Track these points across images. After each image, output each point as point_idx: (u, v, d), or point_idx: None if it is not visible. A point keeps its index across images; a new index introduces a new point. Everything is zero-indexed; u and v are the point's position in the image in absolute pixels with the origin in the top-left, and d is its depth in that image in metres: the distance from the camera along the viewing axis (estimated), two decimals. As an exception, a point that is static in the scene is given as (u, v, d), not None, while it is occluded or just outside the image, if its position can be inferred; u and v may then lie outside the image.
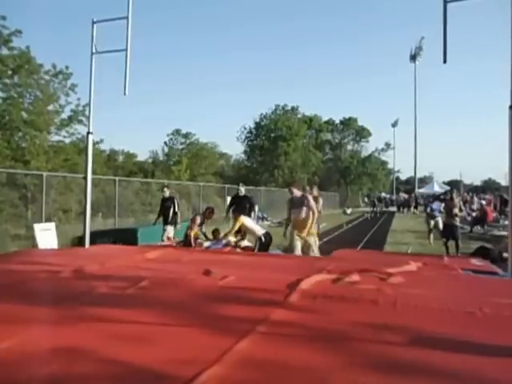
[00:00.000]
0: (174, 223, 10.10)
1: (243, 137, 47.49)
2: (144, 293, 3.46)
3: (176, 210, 10.16)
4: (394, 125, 55.12)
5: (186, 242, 7.66)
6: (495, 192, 26.97)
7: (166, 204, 10.18)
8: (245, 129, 47.39)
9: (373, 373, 2.01)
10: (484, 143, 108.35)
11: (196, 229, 7.77)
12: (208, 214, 8.17)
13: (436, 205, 12.54)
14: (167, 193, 10.58)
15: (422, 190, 44.56)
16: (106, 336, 2.43)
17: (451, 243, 10.08)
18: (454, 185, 42.41)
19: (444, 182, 46.88)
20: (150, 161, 43.05)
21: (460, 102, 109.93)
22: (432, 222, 12.47)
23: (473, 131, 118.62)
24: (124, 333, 2.49)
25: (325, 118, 55.19)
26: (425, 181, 58.02)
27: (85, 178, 6.86)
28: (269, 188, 33.98)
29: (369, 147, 57.22)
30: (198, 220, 7.88)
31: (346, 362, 2.14)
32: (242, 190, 9.66)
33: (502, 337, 2.52)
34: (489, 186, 48.62)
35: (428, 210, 13.08)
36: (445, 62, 5.15)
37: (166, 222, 10.08)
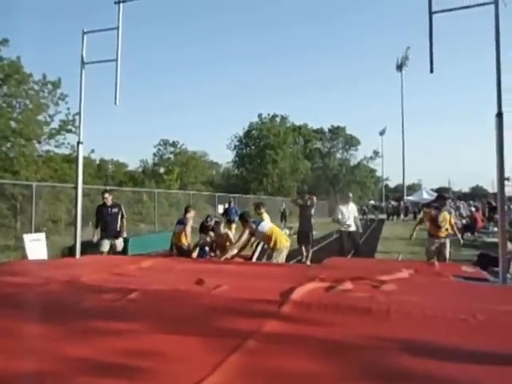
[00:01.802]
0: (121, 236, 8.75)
1: (233, 145, 47.68)
2: (135, 304, 3.41)
3: (124, 220, 8.83)
4: (382, 133, 55.71)
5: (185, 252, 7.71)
6: (483, 199, 27.35)
7: (111, 213, 8.66)
8: (235, 137, 47.59)
9: (368, 382, 2.01)
10: (472, 151, 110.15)
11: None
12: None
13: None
14: (109, 199, 8.85)
15: (410, 198, 44.96)
16: (96, 350, 2.39)
17: None
18: (442, 192, 42.88)
19: (432, 190, 47.36)
20: (141, 170, 42.88)
21: (447, 110, 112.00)
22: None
23: (460, 139, 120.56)
24: (114, 346, 2.45)
25: (314, 127, 55.68)
26: (413, 188, 58.66)
27: (75, 188, 6.81)
28: (258, 196, 34.01)
29: (357, 155, 57.94)
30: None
31: (342, 372, 2.14)
32: None
33: (496, 344, 2.54)
34: (477, 193, 49.24)
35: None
36: (431, 71, 5.25)
37: (110, 235, 8.58)
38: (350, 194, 11.14)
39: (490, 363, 2.26)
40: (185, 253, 8.05)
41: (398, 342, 2.52)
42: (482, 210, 16.51)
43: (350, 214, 10.08)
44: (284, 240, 6.97)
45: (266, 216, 8.59)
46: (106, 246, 8.44)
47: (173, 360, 2.28)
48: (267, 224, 7.24)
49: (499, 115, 4.79)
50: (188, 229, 8.40)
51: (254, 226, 6.90)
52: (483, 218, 15.29)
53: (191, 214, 8.64)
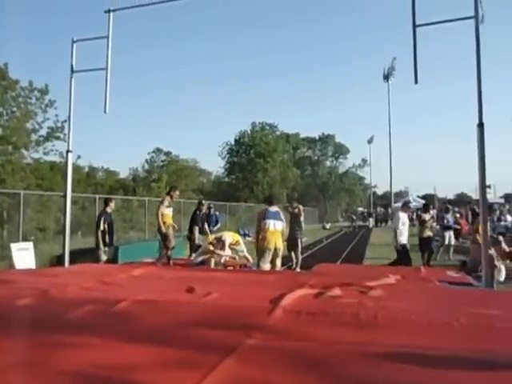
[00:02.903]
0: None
1: (224, 153, 47.75)
2: (122, 314, 3.40)
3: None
4: (370, 141, 56.25)
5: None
6: (467, 205, 27.84)
7: (113, 220, 8.64)
8: (227, 144, 47.67)
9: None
10: (456, 159, 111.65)
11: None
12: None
13: (450, 217, 12.38)
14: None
15: (398, 204, 45.42)
16: (85, 361, 2.39)
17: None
18: (428, 198, 43.41)
19: (419, 196, 47.91)
20: (131, 178, 42.58)
21: (433, 119, 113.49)
22: (447, 235, 12.02)
23: (445, 147, 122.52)
24: (101, 357, 2.45)
25: (303, 135, 56.13)
26: (401, 195, 59.12)
27: (64, 196, 6.80)
28: (249, 204, 34.08)
29: (346, 163, 58.46)
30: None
31: (331, 378, 2.21)
32: None
33: (479, 347, 2.63)
34: (461, 200, 50.05)
35: (445, 221, 12.47)
36: (416, 82, 5.40)
37: (111, 243, 8.48)
38: (409, 199, 10.06)
39: (473, 366, 2.34)
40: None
41: (385, 347, 2.60)
42: (465, 216, 16.77)
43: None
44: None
45: None
46: (109, 254, 8.25)
47: (161, 369, 2.29)
48: None
49: (480, 125, 4.94)
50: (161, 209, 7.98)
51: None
52: (467, 224, 15.55)
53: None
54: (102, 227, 8.02)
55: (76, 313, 3.40)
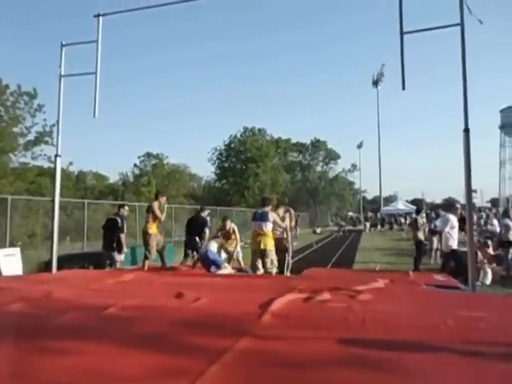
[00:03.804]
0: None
1: (214, 158, 47.71)
2: (112, 320, 3.39)
3: None
4: (360, 146, 56.72)
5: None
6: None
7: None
8: (216, 150, 47.62)
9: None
10: (444, 163, 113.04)
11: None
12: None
13: (439, 221, 12.24)
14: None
15: (387, 208, 45.79)
16: (72, 367, 2.37)
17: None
18: (417, 203, 43.83)
19: (407, 201, 48.43)
20: (120, 183, 42.30)
21: (421, 124, 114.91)
22: (435, 240, 11.63)
23: (434, 152, 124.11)
24: (89, 362, 2.43)
25: (293, 140, 56.33)
26: (390, 200, 59.66)
27: (52, 202, 6.74)
28: (240, 208, 34.05)
29: (336, 168, 58.77)
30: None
31: (320, 381, 2.22)
32: None
33: (465, 348, 2.67)
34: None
35: (432, 226, 12.13)
36: (403, 88, 5.47)
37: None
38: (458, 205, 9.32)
39: (459, 366, 2.38)
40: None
41: (373, 351, 2.62)
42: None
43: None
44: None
45: None
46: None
47: (149, 375, 2.28)
48: None
49: (466, 131, 5.02)
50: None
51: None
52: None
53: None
54: (125, 230, 8.32)
55: (63, 319, 3.38)
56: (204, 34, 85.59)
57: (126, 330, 3.09)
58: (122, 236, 8.22)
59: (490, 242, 9.32)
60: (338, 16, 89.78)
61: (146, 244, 7.59)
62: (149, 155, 42.70)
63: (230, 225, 8.00)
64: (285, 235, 7.38)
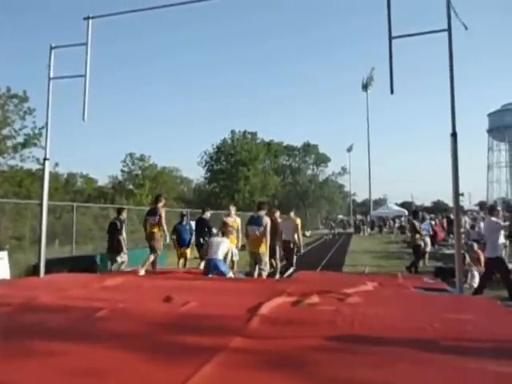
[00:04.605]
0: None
1: (204, 162, 47.62)
2: (101, 323, 3.36)
3: None
4: (350, 150, 57.02)
5: None
6: (443, 212, 28.52)
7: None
8: (206, 153, 47.56)
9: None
10: (433, 167, 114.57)
11: None
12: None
13: (426, 225, 12.30)
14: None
15: (378, 211, 46.09)
16: (59, 372, 2.35)
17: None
18: (406, 206, 44.27)
19: (397, 204, 48.77)
20: (110, 186, 41.87)
21: (411, 128, 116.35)
22: (422, 243, 11.26)
23: (423, 156, 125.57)
24: (78, 367, 2.42)
25: (284, 143, 56.46)
26: (379, 203, 60.09)
27: (40, 205, 6.67)
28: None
29: (326, 171, 59.00)
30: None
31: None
32: None
33: (451, 350, 2.71)
34: (438, 207, 51.19)
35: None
36: (392, 92, 5.53)
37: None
38: (499, 208, 8.86)
39: (446, 369, 2.41)
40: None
41: (361, 353, 2.64)
42: (440, 223, 17.14)
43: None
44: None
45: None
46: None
47: (140, 378, 2.28)
48: None
49: (453, 135, 5.09)
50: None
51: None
52: (443, 231, 15.89)
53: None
54: (124, 233, 8.70)
55: (50, 323, 3.35)
56: (197, 41, 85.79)
57: (114, 334, 3.07)
58: (121, 238, 8.48)
59: (475, 245, 9.41)
60: (329, 23, 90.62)
61: (153, 245, 7.52)
62: (131, 157, 41.79)
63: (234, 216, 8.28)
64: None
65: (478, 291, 6.47)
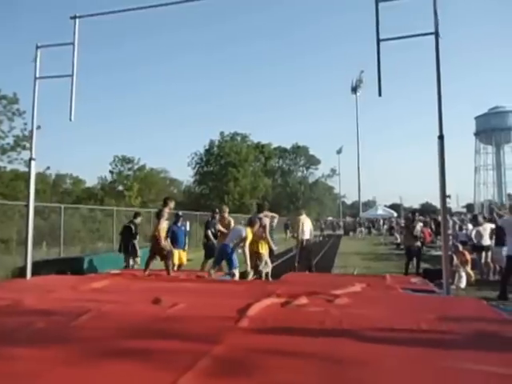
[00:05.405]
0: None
1: (194, 163, 47.54)
2: (87, 326, 3.32)
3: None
4: (339, 152, 57.49)
5: None
6: (431, 214, 28.82)
7: None
8: (196, 155, 47.47)
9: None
10: (421, 169, 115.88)
11: None
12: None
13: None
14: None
15: (368, 212, 46.40)
16: (45, 374, 2.32)
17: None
18: (395, 208, 44.64)
19: (386, 206, 49.17)
20: (99, 187, 41.50)
21: (399, 130, 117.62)
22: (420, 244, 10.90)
23: (411, 158, 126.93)
24: (64, 370, 2.39)
25: (274, 145, 56.63)
26: (369, 205, 60.55)
27: (27, 206, 6.58)
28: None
29: (316, 173, 59.32)
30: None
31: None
32: None
33: (437, 350, 2.73)
34: (426, 209, 51.81)
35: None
36: (380, 95, 5.56)
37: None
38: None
39: (433, 369, 2.43)
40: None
41: (349, 354, 2.65)
42: (429, 226, 17.32)
43: None
44: None
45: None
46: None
47: (124, 380, 2.26)
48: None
49: (440, 137, 5.14)
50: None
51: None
52: (431, 233, 16.04)
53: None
54: (137, 237, 9.14)
55: (34, 326, 3.30)
56: (185, 44, 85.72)
57: (100, 337, 3.03)
58: (135, 242, 8.96)
59: (460, 247, 9.50)
60: (319, 24, 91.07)
61: (160, 247, 7.39)
62: (120, 159, 41.35)
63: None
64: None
65: (501, 296, 6.68)
